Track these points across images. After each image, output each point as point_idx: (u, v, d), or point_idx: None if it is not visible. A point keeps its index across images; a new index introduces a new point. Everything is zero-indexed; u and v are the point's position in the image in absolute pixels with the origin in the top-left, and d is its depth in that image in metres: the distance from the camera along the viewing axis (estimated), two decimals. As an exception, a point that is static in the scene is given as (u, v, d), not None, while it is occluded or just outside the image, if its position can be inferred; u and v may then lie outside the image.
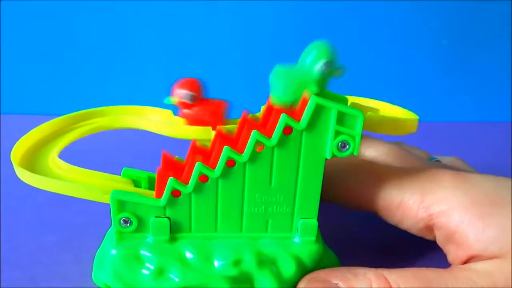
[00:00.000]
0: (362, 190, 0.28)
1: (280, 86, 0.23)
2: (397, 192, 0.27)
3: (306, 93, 0.23)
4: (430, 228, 0.27)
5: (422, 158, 0.33)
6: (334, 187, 0.29)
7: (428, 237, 0.28)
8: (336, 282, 0.25)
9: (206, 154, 0.26)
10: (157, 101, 0.33)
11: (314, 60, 0.22)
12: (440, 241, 0.27)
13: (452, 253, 0.26)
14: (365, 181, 0.28)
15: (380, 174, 0.28)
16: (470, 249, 0.25)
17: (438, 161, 0.34)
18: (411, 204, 0.27)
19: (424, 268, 0.25)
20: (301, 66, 0.23)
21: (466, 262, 0.26)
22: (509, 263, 0.24)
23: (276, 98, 0.23)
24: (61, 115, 0.29)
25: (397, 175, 0.27)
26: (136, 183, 0.27)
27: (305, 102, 0.23)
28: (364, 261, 0.26)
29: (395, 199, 0.27)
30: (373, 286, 0.24)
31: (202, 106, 0.27)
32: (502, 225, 0.25)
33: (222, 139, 0.25)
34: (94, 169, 0.26)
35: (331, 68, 0.22)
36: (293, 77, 0.23)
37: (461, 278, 0.24)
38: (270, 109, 0.26)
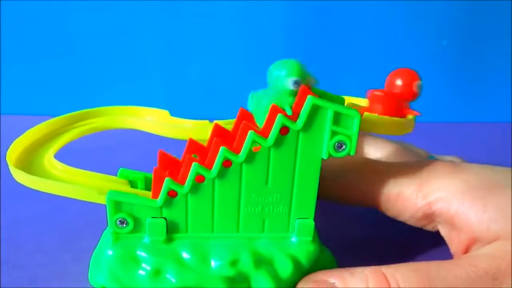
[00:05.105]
0: (365, 187, 0.28)
1: (260, 111, 0.24)
2: (395, 184, 0.27)
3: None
4: (429, 217, 0.27)
5: (421, 156, 0.34)
6: (337, 186, 0.29)
7: (427, 227, 0.28)
8: (333, 281, 0.25)
9: (202, 152, 0.26)
10: (154, 102, 0.33)
11: (285, 79, 0.23)
12: (442, 231, 0.27)
13: (455, 240, 0.26)
14: (368, 178, 0.28)
15: (381, 170, 0.28)
16: (472, 230, 0.25)
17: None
18: (409, 193, 0.27)
19: (423, 262, 0.25)
20: (274, 87, 0.24)
21: (468, 247, 0.26)
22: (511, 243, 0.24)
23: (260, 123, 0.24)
24: (61, 115, 0.29)
25: (396, 169, 0.28)
26: (133, 184, 0.27)
27: (301, 102, 0.23)
28: (362, 260, 0.26)
29: (394, 190, 0.27)
30: (369, 283, 0.24)
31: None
32: (502, 205, 0.25)
33: (219, 138, 0.25)
34: (91, 170, 0.26)
35: (299, 84, 0.23)
36: (270, 100, 0.24)
37: (462, 265, 0.24)
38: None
